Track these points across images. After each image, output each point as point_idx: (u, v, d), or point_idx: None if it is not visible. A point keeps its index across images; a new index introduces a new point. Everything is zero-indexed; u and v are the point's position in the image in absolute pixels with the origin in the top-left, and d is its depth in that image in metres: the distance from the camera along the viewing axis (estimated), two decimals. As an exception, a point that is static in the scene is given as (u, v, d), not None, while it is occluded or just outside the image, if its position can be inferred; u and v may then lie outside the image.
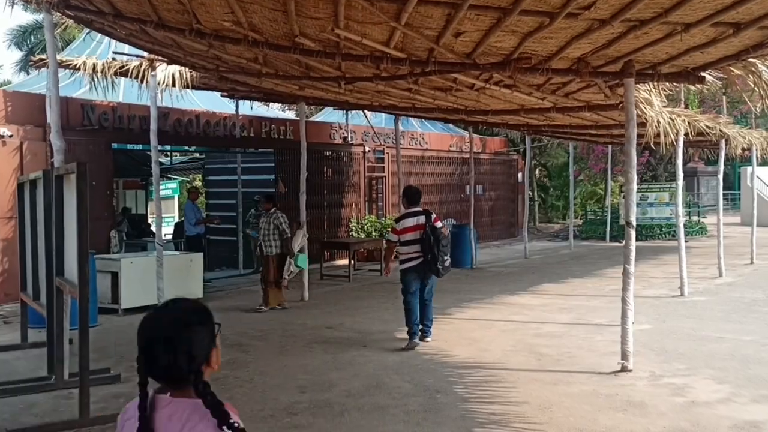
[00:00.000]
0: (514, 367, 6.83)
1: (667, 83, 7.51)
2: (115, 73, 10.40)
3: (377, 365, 6.95)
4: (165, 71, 10.01)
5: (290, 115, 19.83)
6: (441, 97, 9.14)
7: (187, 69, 9.94)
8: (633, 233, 6.35)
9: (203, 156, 20.12)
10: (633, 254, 6.38)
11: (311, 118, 22.09)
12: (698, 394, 5.82)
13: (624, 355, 6.44)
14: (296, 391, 6.13)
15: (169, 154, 23.04)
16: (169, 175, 25.41)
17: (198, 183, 22.65)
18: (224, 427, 1.65)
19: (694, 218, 25.86)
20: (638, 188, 23.23)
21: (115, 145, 13.97)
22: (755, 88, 6.26)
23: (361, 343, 8.03)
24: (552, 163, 30.73)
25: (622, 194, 22.79)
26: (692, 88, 7.55)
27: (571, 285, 12.75)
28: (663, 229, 22.99)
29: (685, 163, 31.00)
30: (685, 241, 16.47)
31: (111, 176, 12.97)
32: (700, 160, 31.88)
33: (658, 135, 9.77)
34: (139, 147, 14.71)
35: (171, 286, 10.32)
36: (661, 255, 16.70)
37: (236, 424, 1.67)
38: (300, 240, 10.76)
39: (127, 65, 10.27)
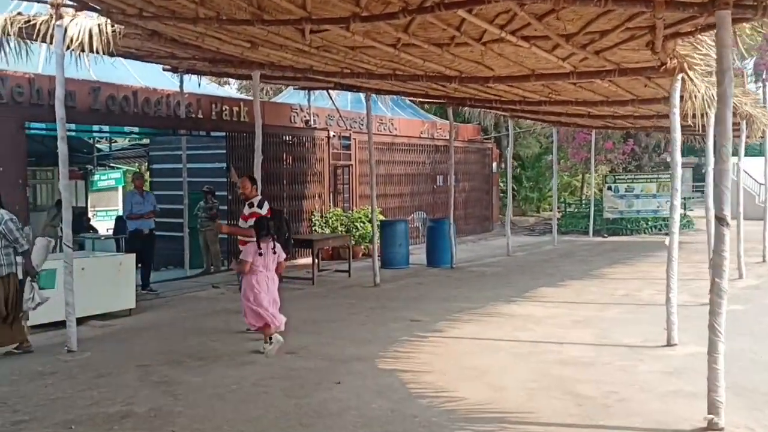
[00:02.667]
0: (550, 419, 4.88)
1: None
2: (20, 32, 8.27)
3: (358, 417, 4.95)
4: (78, 26, 7.87)
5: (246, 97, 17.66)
6: (434, 56, 7.15)
7: (107, 23, 7.80)
8: (727, 234, 4.46)
9: (148, 142, 17.95)
10: (727, 262, 4.47)
11: (270, 100, 19.97)
12: (839, 471, 3.99)
13: (713, 407, 4.53)
14: (242, 471, 4.13)
15: (109, 140, 20.76)
16: (111, 164, 23.10)
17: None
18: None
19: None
20: (623, 179, 21.63)
21: (42, 126, 11.71)
22: None
23: (332, 378, 6.03)
24: (525, 153, 28.96)
25: (607, 185, 21.29)
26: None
27: (572, 289, 10.94)
28: (649, 223, 21.38)
29: (658, 155, 29.64)
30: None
31: (24, 162, 10.66)
32: (673, 151, 30.35)
33: (693, 115, 7.91)
34: (72, 130, 12.54)
35: (91, 296, 8.32)
36: (656, 252, 14.93)
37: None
38: (43, 253, 7.60)
39: (33, 20, 8.14)
